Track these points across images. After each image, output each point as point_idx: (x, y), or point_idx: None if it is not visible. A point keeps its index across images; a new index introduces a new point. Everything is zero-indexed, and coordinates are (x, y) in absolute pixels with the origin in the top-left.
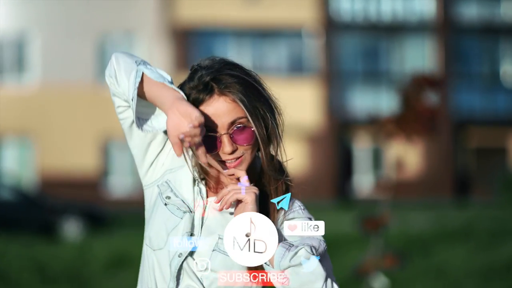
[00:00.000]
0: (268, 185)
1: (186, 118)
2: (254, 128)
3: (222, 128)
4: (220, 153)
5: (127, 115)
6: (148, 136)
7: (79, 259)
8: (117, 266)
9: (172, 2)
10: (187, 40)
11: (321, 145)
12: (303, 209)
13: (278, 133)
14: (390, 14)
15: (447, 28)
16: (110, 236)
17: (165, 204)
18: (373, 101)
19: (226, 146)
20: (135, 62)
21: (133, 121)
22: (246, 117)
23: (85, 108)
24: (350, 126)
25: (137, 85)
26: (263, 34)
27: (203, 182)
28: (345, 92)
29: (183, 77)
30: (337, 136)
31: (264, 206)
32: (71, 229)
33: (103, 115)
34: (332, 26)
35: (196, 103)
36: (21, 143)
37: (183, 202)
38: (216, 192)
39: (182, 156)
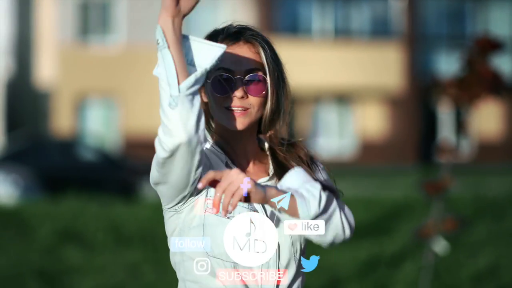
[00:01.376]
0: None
1: None
2: (269, 82)
3: (239, 73)
4: (230, 97)
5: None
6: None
7: (153, 220)
8: None
9: None
10: (271, 3)
11: (405, 109)
12: (322, 169)
13: (285, 103)
14: None
15: None
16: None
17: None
18: (456, 65)
19: (238, 90)
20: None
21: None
22: (263, 70)
23: None
24: (434, 89)
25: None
26: None
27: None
28: (429, 55)
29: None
30: (421, 99)
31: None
32: (151, 190)
33: None
34: None
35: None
36: (105, 104)
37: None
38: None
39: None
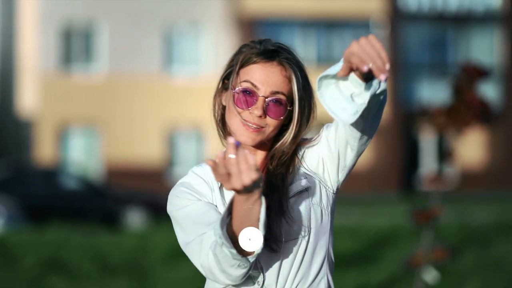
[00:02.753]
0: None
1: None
2: (295, 109)
3: (264, 91)
4: (249, 112)
5: None
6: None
7: (139, 250)
8: (177, 258)
9: None
10: (253, 30)
11: (387, 137)
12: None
13: (305, 128)
14: (456, 4)
15: None
16: (172, 228)
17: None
18: (438, 92)
19: (257, 108)
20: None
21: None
22: (289, 96)
23: (151, 98)
24: (416, 117)
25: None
26: (329, 25)
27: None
28: (411, 83)
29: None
30: (403, 127)
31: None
32: (135, 219)
33: (169, 105)
34: (399, 17)
35: (251, 61)
36: (87, 133)
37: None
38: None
39: (207, 191)
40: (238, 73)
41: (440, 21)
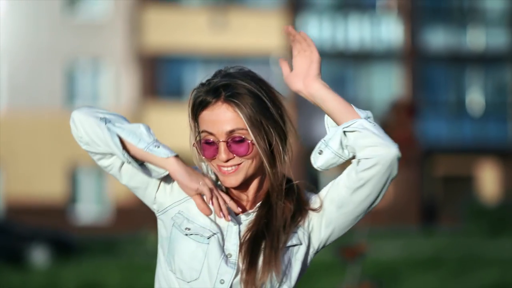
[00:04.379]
0: (275, 205)
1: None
2: (254, 141)
3: (220, 135)
4: (217, 160)
5: (110, 162)
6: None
7: (48, 287)
8: None
9: (139, 28)
10: (155, 67)
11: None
12: (308, 193)
13: (283, 152)
14: (357, 42)
15: (414, 56)
16: (78, 264)
17: (186, 235)
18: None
19: (221, 153)
20: (100, 119)
21: (121, 164)
22: (247, 129)
23: (52, 134)
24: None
25: (122, 149)
26: (231, 61)
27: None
28: (312, 119)
29: (149, 103)
30: (304, 164)
31: (269, 226)
32: (39, 256)
33: (71, 142)
34: None
35: (201, 106)
36: None
37: (204, 227)
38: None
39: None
40: (194, 122)
41: (341, 58)
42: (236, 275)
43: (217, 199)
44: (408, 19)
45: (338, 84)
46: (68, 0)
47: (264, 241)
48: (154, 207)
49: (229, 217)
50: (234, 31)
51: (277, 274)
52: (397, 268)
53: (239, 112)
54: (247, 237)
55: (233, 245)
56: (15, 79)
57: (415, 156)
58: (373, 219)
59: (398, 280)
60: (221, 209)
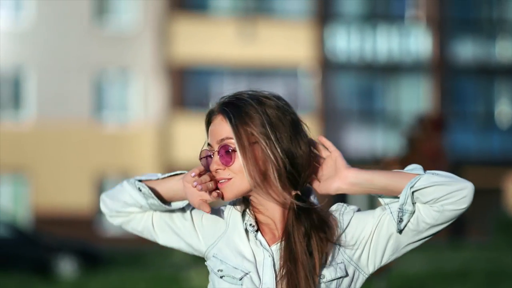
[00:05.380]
0: (291, 229)
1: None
2: (237, 150)
3: (215, 146)
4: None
5: (142, 223)
6: (179, 222)
7: None
8: None
9: (168, 40)
10: (183, 78)
11: None
12: (347, 206)
13: (275, 164)
14: (385, 53)
15: (442, 68)
16: (106, 275)
17: (221, 277)
18: (368, 140)
19: (213, 163)
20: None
21: (152, 223)
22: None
23: (80, 145)
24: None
25: (141, 186)
26: (259, 72)
27: (257, 231)
28: (340, 131)
29: (177, 114)
30: None
31: (293, 255)
32: (66, 267)
33: (98, 152)
34: (328, 65)
35: (208, 122)
36: (16, 180)
37: (236, 268)
38: (273, 237)
39: (215, 227)
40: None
41: (369, 70)
42: None
43: (201, 183)
44: (436, 30)
45: (366, 96)
46: (97, 11)
47: (297, 270)
48: (201, 256)
49: (216, 193)
50: (262, 42)
51: None
52: (424, 281)
53: (226, 119)
54: (283, 269)
55: (270, 279)
56: (44, 89)
57: (444, 169)
58: None
59: None
60: (208, 189)
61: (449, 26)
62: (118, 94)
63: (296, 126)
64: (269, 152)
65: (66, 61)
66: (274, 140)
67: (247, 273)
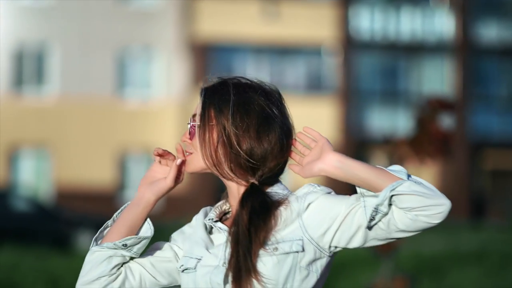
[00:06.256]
0: (239, 207)
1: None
2: (196, 126)
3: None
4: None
5: (137, 281)
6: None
7: None
8: None
9: (191, 17)
10: (206, 55)
11: None
12: (317, 186)
13: (229, 151)
14: (409, 33)
15: (466, 49)
16: None
17: (182, 271)
18: (390, 120)
19: (183, 134)
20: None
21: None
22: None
23: (103, 121)
24: (367, 145)
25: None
26: (282, 51)
27: (216, 221)
28: (363, 111)
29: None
30: (354, 155)
31: (238, 232)
32: (86, 242)
33: (121, 128)
34: (351, 45)
35: None
36: (38, 155)
37: (191, 257)
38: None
39: (188, 239)
40: None
41: (392, 50)
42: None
43: (166, 160)
44: (460, 11)
45: (389, 76)
46: None
47: (240, 248)
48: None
49: (181, 160)
50: (286, 21)
51: (260, 284)
52: (438, 261)
53: (200, 98)
54: (228, 248)
55: (223, 257)
56: (67, 65)
57: (457, 149)
58: None
59: (439, 273)
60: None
61: (473, 7)
62: (141, 70)
63: (267, 121)
64: (225, 139)
65: (90, 37)
66: (235, 129)
67: (199, 259)
